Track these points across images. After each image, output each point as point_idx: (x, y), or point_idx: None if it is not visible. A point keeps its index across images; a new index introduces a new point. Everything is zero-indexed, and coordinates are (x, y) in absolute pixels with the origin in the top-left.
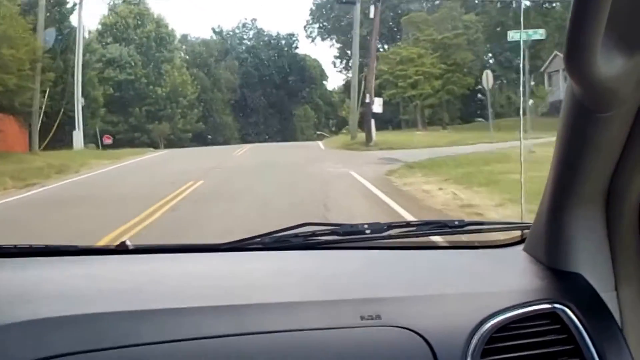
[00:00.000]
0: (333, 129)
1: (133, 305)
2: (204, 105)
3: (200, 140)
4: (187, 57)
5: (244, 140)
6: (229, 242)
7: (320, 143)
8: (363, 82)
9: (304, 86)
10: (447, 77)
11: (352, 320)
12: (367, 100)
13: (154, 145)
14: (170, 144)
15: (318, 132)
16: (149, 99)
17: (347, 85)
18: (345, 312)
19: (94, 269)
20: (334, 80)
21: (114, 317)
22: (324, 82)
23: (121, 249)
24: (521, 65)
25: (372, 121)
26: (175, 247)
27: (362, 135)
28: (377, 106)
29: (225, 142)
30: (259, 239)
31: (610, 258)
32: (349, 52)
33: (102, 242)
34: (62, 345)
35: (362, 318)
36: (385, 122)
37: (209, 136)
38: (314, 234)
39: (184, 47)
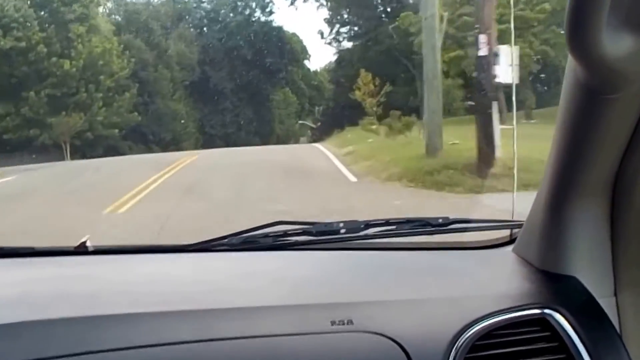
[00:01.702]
0: (319, 117)
1: (91, 310)
2: (141, 87)
3: (136, 138)
4: (119, 18)
5: (203, 134)
6: (195, 243)
7: (323, 149)
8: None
9: (283, 63)
10: None
11: (322, 326)
12: (483, 53)
13: (49, 151)
14: (88, 145)
15: (300, 122)
16: (52, 77)
17: (340, 61)
18: (315, 317)
19: (50, 271)
20: (318, 59)
21: (70, 324)
22: (306, 61)
23: (80, 250)
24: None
25: (496, 106)
26: (139, 248)
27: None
28: (506, 68)
29: (175, 142)
30: (226, 240)
31: (611, 260)
32: (345, 14)
33: None
34: (20, 352)
35: (332, 323)
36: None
37: (151, 134)
38: (285, 233)
39: (111, 3)
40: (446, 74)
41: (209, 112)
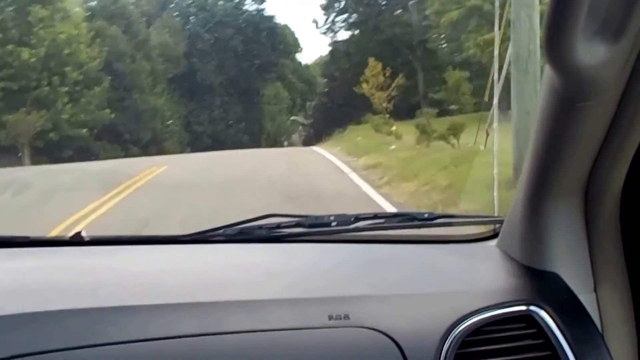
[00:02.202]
0: (311, 113)
1: (87, 302)
2: (116, 81)
3: (111, 138)
4: (94, 2)
5: (189, 132)
6: (190, 234)
7: (329, 156)
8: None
9: (274, 56)
10: None
11: (320, 321)
12: None
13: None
14: (53, 147)
15: (292, 118)
16: (7, 68)
17: (335, 53)
18: (313, 312)
19: (45, 261)
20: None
21: (68, 316)
22: (297, 54)
23: (76, 240)
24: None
25: None
26: (134, 239)
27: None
28: None
29: (155, 141)
30: (221, 231)
31: (589, 257)
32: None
33: None
34: (14, 346)
35: (330, 318)
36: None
37: (127, 133)
38: (278, 225)
39: None
40: (459, 65)
41: (195, 108)
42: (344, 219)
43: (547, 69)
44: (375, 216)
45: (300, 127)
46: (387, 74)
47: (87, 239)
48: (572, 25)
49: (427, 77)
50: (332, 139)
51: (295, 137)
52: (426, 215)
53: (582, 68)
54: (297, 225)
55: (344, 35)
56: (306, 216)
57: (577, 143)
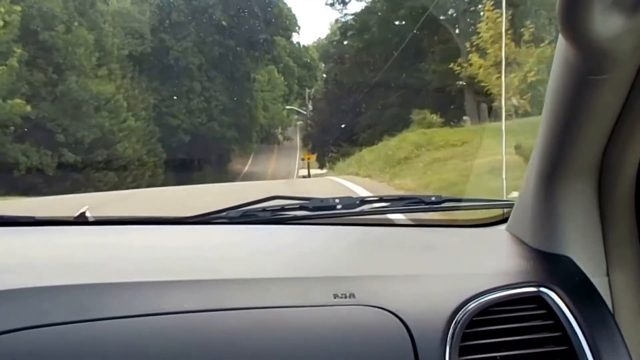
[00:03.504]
0: (310, 103)
1: (93, 278)
2: (38, 57)
3: (40, 138)
4: None
5: (160, 126)
6: (194, 216)
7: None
8: None
9: (268, 32)
10: None
11: (324, 299)
12: None
13: None
14: None
15: (288, 107)
16: None
17: (344, 29)
18: (318, 290)
19: (51, 240)
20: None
21: (74, 290)
22: (294, 35)
23: (80, 221)
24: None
25: None
26: (138, 220)
27: None
28: None
29: (105, 143)
30: (225, 213)
31: (602, 239)
32: None
33: None
34: (22, 318)
35: (335, 296)
36: None
37: (61, 133)
38: (282, 208)
39: None
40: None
41: (167, 95)
42: (349, 202)
43: (560, 40)
44: (381, 199)
45: (295, 117)
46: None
47: (91, 219)
48: None
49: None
50: (351, 151)
51: (291, 130)
52: (433, 199)
53: (598, 40)
54: (302, 208)
55: (355, 6)
56: (310, 199)
57: (591, 119)
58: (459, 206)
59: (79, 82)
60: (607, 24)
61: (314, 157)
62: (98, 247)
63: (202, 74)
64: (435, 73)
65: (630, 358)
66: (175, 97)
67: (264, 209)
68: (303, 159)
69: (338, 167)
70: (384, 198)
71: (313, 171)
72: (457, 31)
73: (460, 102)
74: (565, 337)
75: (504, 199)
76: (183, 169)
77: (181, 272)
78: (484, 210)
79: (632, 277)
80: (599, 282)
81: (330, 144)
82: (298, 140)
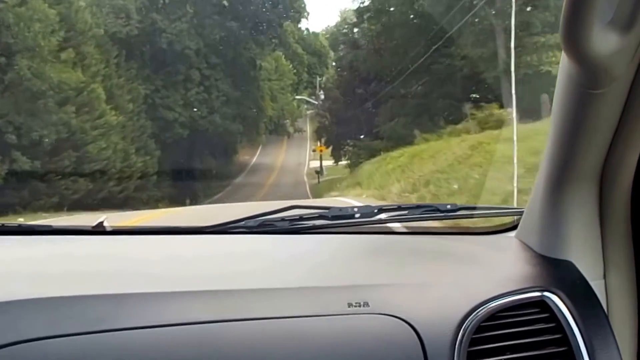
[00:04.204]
0: (321, 92)
1: (111, 288)
2: None
3: None
4: None
5: (154, 120)
6: (213, 225)
7: None
8: None
9: (276, 16)
10: None
11: (339, 308)
12: None
13: None
14: None
15: (297, 97)
16: None
17: (360, 11)
18: (333, 299)
19: (69, 250)
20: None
21: (92, 301)
22: (303, 20)
23: (99, 230)
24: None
25: None
26: (156, 229)
27: None
28: None
29: (73, 144)
30: (243, 222)
31: (600, 245)
32: None
33: None
34: (37, 329)
35: (350, 305)
36: None
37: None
38: (301, 217)
39: None
40: None
41: (161, 85)
42: (367, 211)
43: (563, 57)
44: (399, 207)
45: (305, 107)
46: None
47: (109, 229)
48: (587, 16)
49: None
50: (372, 145)
51: (301, 121)
52: (449, 207)
53: (597, 56)
54: (320, 217)
55: None
56: (329, 208)
57: (592, 130)
58: (473, 214)
59: (32, 68)
60: (604, 41)
61: (327, 150)
62: (115, 257)
63: (200, 60)
64: (466, 59)
65: (620, 357)
66: (169, 87)
67: (282, 219)
68: (314, 151)
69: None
70: (402, 207)
71: (327, 162)
72: (493, 11)
73: (496, 92)
74: (565, 338)
75: (515, 207)
76: (180, 166)
77: (198, 283)
78: (496, 218)
79: (626, 279)
80: (596, 285)
81: (346, 137)
82: (308, 131)
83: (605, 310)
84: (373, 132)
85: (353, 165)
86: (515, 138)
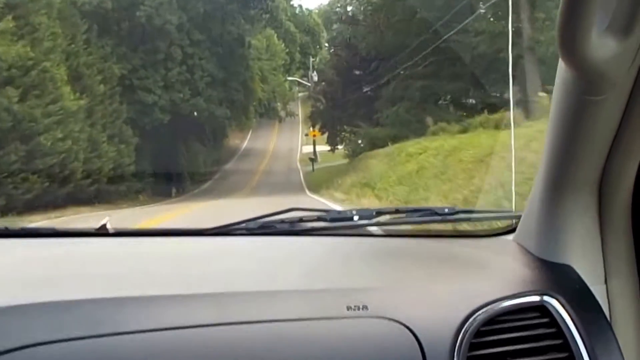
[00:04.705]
0: (314, 73)
1: (113, 291)
2: None
3: None
4: None
5: (132, 104)
6: (213, 227)
7: None
8: None
9: None
10: None
11: (338, 311)
12: None
13: None
14: None
15: (290, 78)
16: None
17: None
18: (331, 302)
19: (72, 252)
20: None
21: (94, 304)
22: None
23: (102, 232)
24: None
25: None
26: (158, 231)
27: None
28: None
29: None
30: (244, 224)
31: (600, 249)
32: None
33: None
34: (40, 333)
35: (348, 308)
36: None
37: None
38: (300, 219)
39: None
40: None
41: (139, 64)
42: (365, 214)
43: (561, 64)
44: (397, 211)
45: (297, 89)
46: None
47: (112, 231)
48: (584, 21)
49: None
50: (371, 132)
51: (293, 105)
52: (447, 211)
53: (594, 62)
54: (319, 219)
55: None
56: (328, 210)
57: (591, 137)
58: (471, 217)
59: None
60: (602, 47)
61: (321, 135)
62: (118, 260)
63: (183, 36)
64: (483, 34)
65: None
66: (147, 67)
67: (282, 221)
68: (307, 135)
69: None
70: (400, 209)
71: (321, 147)
72: None
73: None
74: (566, 344)
75: (514, 210)
76: (163, 153)
77: (199, 285)
78: (494, 221)
79: (628, 285)
80: (597, 290)
81: (343, 122)
82: (300, 115)
83: (607, 315)
84: (373, 117)
85: (352, 155)
86: (512, 142)
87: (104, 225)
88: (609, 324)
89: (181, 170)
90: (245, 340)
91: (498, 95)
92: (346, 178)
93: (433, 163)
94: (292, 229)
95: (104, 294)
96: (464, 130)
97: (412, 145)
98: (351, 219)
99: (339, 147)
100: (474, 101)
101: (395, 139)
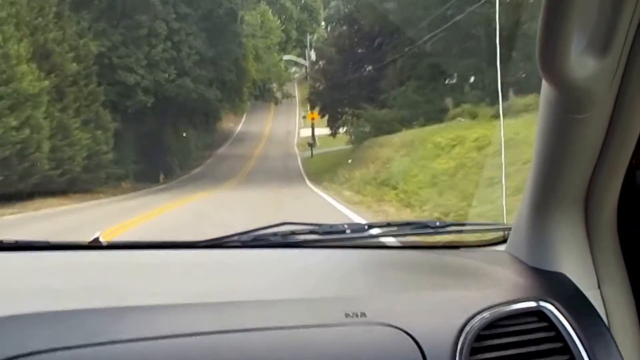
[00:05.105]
0: (312, 52)
1: (108, 301)
2: None
3: None
4: None
5: (113, 85)
6: (206, 240)
7: None
8: None
9: None
10: None
11: (336, 318)
12: None
13: None
14: None
15: (286, 57)
16: None
17: None
18: (329, 310)
19: (67, 264)
20: None
21: (90, 314)
22: None
23: (95, 245)
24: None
25: None
26: (151, 244)
27: None
28: None
29: None
30: (237, 237)
31: (591, 258)
32: None
33: None
34: (39, 342)
35: (347, 316)
36: None
37: None
38: (293, 232)
39: None
40: None
41: (120, 41)
42: (357, 227)
43: (543, 83)
44: (388, 224)
45: (293, 69)
46: None
47: (104, 243)
48: (562, 41)
49: None
50: (377, 114)
51: (289, 86)
52: (438, 224)
53: (575, 81)
54: (311, 232)
55: None
56: (319, 224)
57: (575, 154)
58: (462, 230)
59: None
60: (581, 66)
61: (320, 118)
62: (111, 271)
63: (168, 10)
64: (502, 3)
65: None
66: (129, 44)
67: (274, 234)
68: (304, 118)
69: None
70: (391, 223)
71: (320, 131)
72: None
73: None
74: (566, 347)
75: (504, 222)
76: (148, 138)
77: (194, 295)
78: (484, 233)
79: (621, 289)
80: (592, 295)
81: (345, 104)
82: (297, 96)
83: (605, 319)
84: (379, 98)
85: (357, 140)
86: (502, 147)
87: (96, 239)
88: (607, 327)
89: (169, 155)
90: (244, 347)
91: (524, 75)
92: (354, 171)
93: (477, 160)
94: (285, 241)
95: (100, 304)
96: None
97: (438, 134)
98: (343, 232)
99: (341, 130)
100: (495, 81)
101: (404, 123)
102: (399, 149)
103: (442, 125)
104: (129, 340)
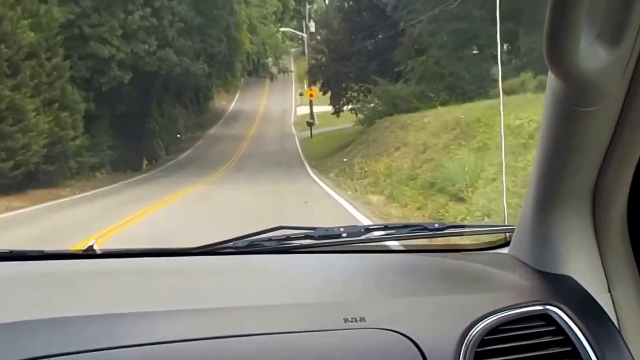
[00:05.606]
0: (311, 22)
1: (103, 308)
2: None
3: None
4: None
5: (84, 59)
6: (200, 247)
7: None
8: None
9: None
10: None
11: (335, 323)
12: None
13: None
14: None
15: (283, 29)
16: None
17: None
18: (328, 315)
19: (61, 273)
20: None
21: (86, 321)
22: None
23: (89, 254)
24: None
25: None
26: (145, 252)
27: None
28: None
29: None
30: (231, 243)
31: (599, 259)
32: None
33: None
34: (36, 349)
35: (345, 320)
36: None
37: None
38: (288, 237)
39: None
40: None
41: (91, 7)
42: (354, 230)
43: (550, 75)
44: (386, 227)
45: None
46: None
47: (99, 252)
48: (572, 32)
49: None
50: (391, 89)
51: (286, 59)
52: (437, 226)
53: (584, 73)
54: (307, 237)
55: None
56: (315, 228)
57: (583, 149)
58: (462, 232)
59: None
60: (591, 57)
61: (319, 94)
62: (106, 279)
63: None
64: None
65: None
66: (101, 10)
67: (269, 239)
68: (301, 95)
69: None
70: (389, 226)
71: (318, 108)
72: None
73: None
74: (575, 351)
75: (506, 223)
76: (127, 120)
77: (189, 301)
78: (485, 236)
79: (633, 293)
80: (602, 299)
81: (351, 78)
82: (294, 71)
83: (616, 324)
84: (393, 71)
85: (368, 120)
86: (503, 149)
87: (91, 247)
88: (618, 331)
89: (154, 138)
90: (239, 353)
91: None
92: (371, 160)
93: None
94: (280, 246)
95: (96, 311)
96: None
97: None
98: (339, 236)
99: (345, 108)
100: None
101: (423, 99)
102: (438, 133)
103: (495, 100)
104: (125, 347)
